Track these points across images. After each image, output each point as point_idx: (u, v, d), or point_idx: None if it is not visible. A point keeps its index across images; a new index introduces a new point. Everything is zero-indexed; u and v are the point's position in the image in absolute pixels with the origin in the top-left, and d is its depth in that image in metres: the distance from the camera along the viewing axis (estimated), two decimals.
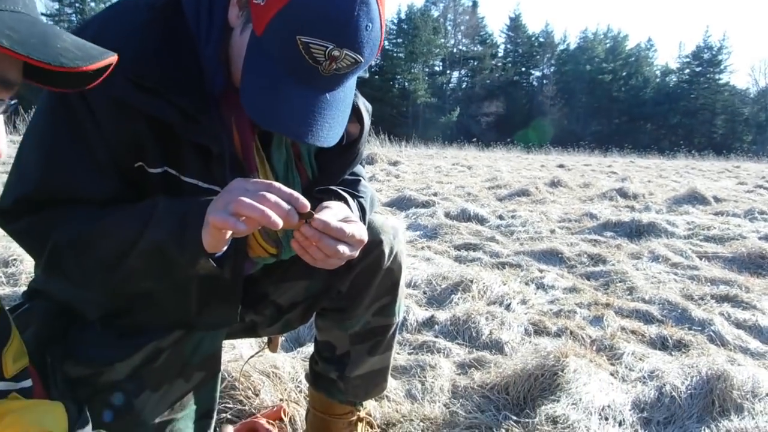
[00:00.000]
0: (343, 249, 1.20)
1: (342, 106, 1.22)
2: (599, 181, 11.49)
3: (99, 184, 1.22)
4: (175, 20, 1.23)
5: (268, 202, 1.06)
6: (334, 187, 1.45)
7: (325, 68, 1.13)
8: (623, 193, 8.90)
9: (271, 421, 2.00)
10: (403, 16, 63.63)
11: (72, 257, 1.20)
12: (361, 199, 1.48)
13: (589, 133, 55.57)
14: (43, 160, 1.21)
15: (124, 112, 1.17)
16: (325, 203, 1.28)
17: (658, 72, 69.51)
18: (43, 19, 0.78)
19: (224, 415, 2.04)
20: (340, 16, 1.08)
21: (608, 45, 66.45)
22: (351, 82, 1.24)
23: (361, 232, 1.25)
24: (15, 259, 3.74)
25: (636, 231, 5.75)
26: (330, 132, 1.19)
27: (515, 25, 68.94)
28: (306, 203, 1.11)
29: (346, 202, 1.39)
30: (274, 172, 1.40)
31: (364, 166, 1.64)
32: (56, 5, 51.16)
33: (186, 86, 1.19)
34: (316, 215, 1.16)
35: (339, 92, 1.20)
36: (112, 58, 0.82)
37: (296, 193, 1.11)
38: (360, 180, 1.55)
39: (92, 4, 50.47)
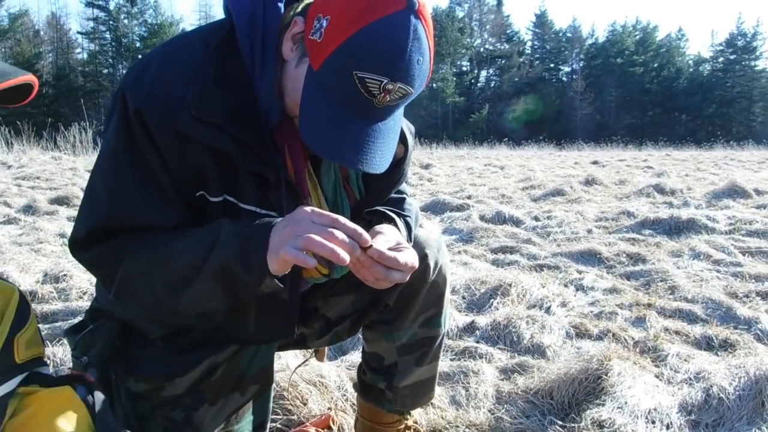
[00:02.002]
0: (393, 275, 1.26)
1: (392, 134, 1.28)
2: (635, 177, 11.38)
3: (164, 213, 1.29)
4: (230, 56, 1.29)
5: (336, 240, 1.12)
6: (381, 208, 1.50)
7: (379, 101, 1.19)
8: (660, 189, 8.80)
9: (319, 430, 2.05)
10: None
11: (142, 283, 1.27)
12: (407, 218, 1.53)
13: (622, 127, 54.93)
14: (111, 193, 1.28)
15: (187, 145, 1.24)
16: (378, 228, 1.34)
17: (690, 62, 68.39)
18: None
19: (274, 424, 2.09)
20: (395, 52, 1.14)
21: (638, 37, 65.57)
22: (400, 111, 1.30)
23: (413, 260, 1.30)
24: (65, 275, 3.86)
25: (675, 228, 5.69)
26: (382, 159, 1.25)
27: (541, 21, 68.48)
28: (368, 239, 1.17)
29: (394, 223, 1.44)
30: (325, 194, 1.45)
31: (408, 184, 1.68)
32: (91, 24, 52.20)
33: (243, 119, 1.26)
34: (373, 245, 1.21)
35: (389, 121, 1.26)
36: (23, 78, 0.87)
37: (359, 228, 1.17)
38: (405, 198, 1.60)
39: (125, 21, 51.40)
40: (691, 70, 66.56)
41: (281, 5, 1.31)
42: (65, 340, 2.79)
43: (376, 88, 1.17)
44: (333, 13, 1.18)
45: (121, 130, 1.27)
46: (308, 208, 1.19)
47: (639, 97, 61.92)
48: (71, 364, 1.56)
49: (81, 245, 1.33)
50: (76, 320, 3.05)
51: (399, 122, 1.32)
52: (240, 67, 1.30)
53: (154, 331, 1.43)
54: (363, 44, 1.14)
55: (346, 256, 1.12)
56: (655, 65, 64.39)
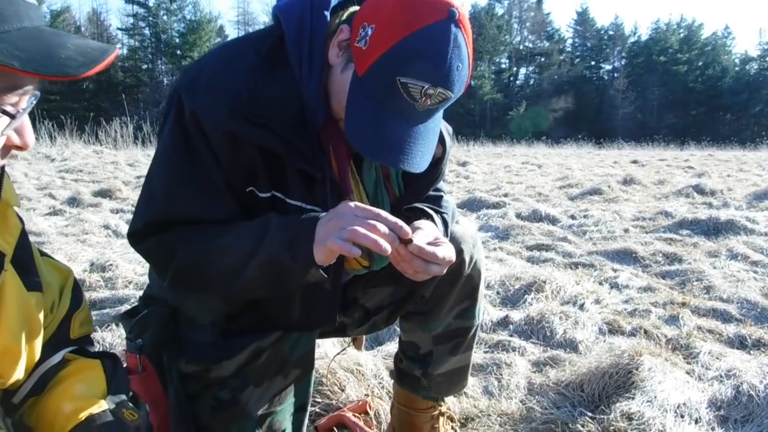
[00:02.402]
0: (432, 268, 1.35)
1: (432, 135, 1.38)
2: (674, 177, 11.25)
3: (217, 207, 1.39)
4: (279, 62, 1.39)
5: (378, 231, 1.21)
6: (419, 205, 1.59)
7: (420, 104, 1.28)
8: (700, 190, 8.69)
9: (357, 414, 2.15)
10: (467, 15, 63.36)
11: (196, 272, 1.38)
12: (444, 214, 1.62)
13: (664, 126, 53.96)
14: (167, 188, 1.40)
15: (239, 144, 1.35)
16: (417, 223, 1.42)
17: (737, 60, 66.81)
18: (46, 25, 0.90)
19: (313, 408, 2.19)
20: (436, 60, 1.23)
21: (682, 35, 64.29)
22: (440, 114, 1.39)
23: (450, 254, 1.39)
24: (111, 264, 4.03)
25: (714, 229, 5.65)
26: (422, 159, 1.35)
27: (583, 19, 67.60)
28: (408, 231, 1.26)
29: (431, 219, 1.53)
30: (366, 191, 1.54)
31: (445, 182, 1.76)
32: (131, 20, 53.16)
33: (291, 121, 1.36)
34: (414, 240, 1.30)
35: (430, 123, 1.35)
36: (112, 54, 0.92)
37: (399, 221, 1.26)
38: (442, 195, 1.69)
39: (164, 17, 52.21)
40: (737, 68, 65.00)
41: (327, 13, 1.40)
42: (113, 326, 2.94)
43: (418, 93, 1.26)
44: (378, 22, 1.27)
45: (177, 130, 1.38)
46: (352, 203, 1.28)
47: (682, 96, 60.70)
48: (124, 346, 1.68)
49: (139, 236, 1.45)
50: (123, 307, 3.21)
51: (438, 124, 1.41)
52: (288, 72, 1.39)
53: (204, 317, 1.54)
54: (406, 52, 1.23)
55: (387, 247, 1.21)
56: (700, 64, 63.05)
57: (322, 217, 1.30)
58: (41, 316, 1.08)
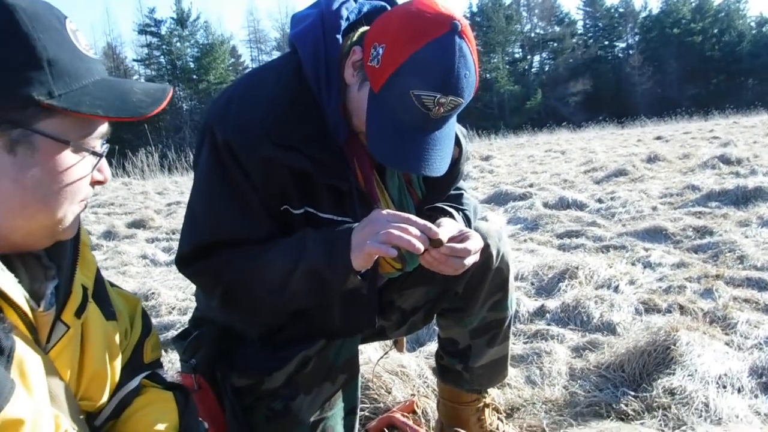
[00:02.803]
0: (468, 261, 1.45)
1: (448, 140, 1.46)
2: (700, 150, 11.13)
3: (256, 228, 1.49)
4: (299, 86, 1.49)
5: (410, 233, 1.31)
6: (440, 204, 1.68)
7: (434, 113, 1.37)
8: (726, 160, 8.60)
9: (405, 414, 2.22)
10: (474, 9, 63.13)
11: (243, 289, 1.48)
12: (465, 211, 1.71)
13: (686, 98, 53.08)
14: (209, 213, 1.50)
15: (271, 168, 1.44)
16: (439, 221, 1.50)
17: (752, 23, 65.54)
18: (108, 74, 1.03)
19: (362, 413, 2.26)
20: (444, 71, 1.32)
21: (693, 4, 63.21)
22: (454, 119, 1.47)
23: (479, 243, 1.49)
24: (153, 293, 4.14)
25: (742, 198, 5.63)
26: (441, 163, 1.44)
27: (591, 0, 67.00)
28: (437, 231, 1.36)
29: (452, 217, 1.61)
30: (391, 198, 1.62)
31: (465, 180, 1.84)
32: (145, 50, 53.91)
33: (316, 139, 1.46)
34: (444, 242, 1.39)
35: (445, 129, 1.44)
36: (170, 92, 1.06)
37: (429, 224, 1.36)
38: (462, 193, 1.77)
39: (178, 44, 52.86)
40: (753, 32, 63.70)
41: (339, 37, 1.49)
42: (163, 351, 3.05)
43: (431, 103, 1.34)
44: (387, 41, 1.35)
45: (213, 159, 1.48)
46: (383, 211, 1.38)
47: (701, 66, 59.65)
48: (179, 367, 1.78)
49: (186, 261, 1.55)
50: (169, 333, 3.31)
51: (453, 129, 1.50)
52: (309, 94, 1.49)
53: (251, 332, 1.63)
54: (416, 67, 1.32)
55: (420, 246, 1.31)
56: (715, 31, 61.90)
57: (356, 226, 1.40)
58: (118, 342, 1.18)
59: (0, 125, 0.87)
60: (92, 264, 1.15)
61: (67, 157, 0.94)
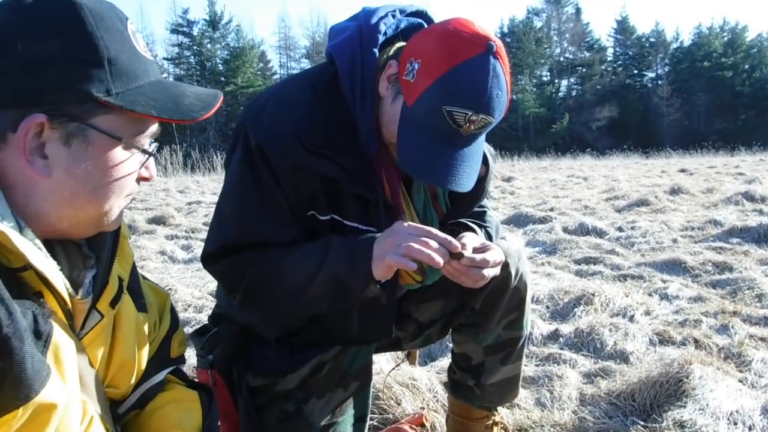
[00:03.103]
0: (488, 273, 1.47)
1: (476, 157, 1.50)
2: (724, 185, 11.04)
3: (282, 231, 1.53)
4: (335, 97, 1.53)
5: (431, 247, 1.34)
6: (463, 220, 1.71)
7: (464, 130, 1.40)
8: (750, 197, 8.51)
9: (413, 427, 2.23)
10: (505, 29, 63.29)
11: (265, 290, 1.51)
12: (488, 228, 1.74)
13: (712, 132, 52.70)
14: (237, 214, 1.54)
15: (301, 173, 1.48)
16: (461, 235, 1.53)
17: None
18: (164, 76, 1.08)
19: (371, 422, 2.27)
20: (478, 89, 1.36)
21: (726, 38, 62.86)
22: (483, 137, 1.50)
23: (500, 256, 1.52)
24: (170, 289, 4.19)
25: (764, 235, 5.57)
26: (468, 179, 1.47)
27: (623, 27, 66.73)
28: (458, 245, 1.38)
29: (474, 232, 1.64)
30: (416, 210, 1.65)
31: (489, 199, 1.86)
32: (176, 50, 54.55)
33: (348, 149, 1.50)
34: (464, 253, 1.42)
35: (474, 146, 1.48)
36: (221, 98, 1.10)
37: (449, 237, 1.38)
38: (486, 211, 1.80)
39: (208, 45, 53.42)
40: None
41: (376, 50, 1.53)
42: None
43: (462, 120, 1.37)
44: (423, 57, 1.39)
45: (245, 162, 1.51)
46: (405, 223, 1.42)
47: (730, 100, 59.23)
48: (196, 362, 1.81)
49: (211, 259, 1.58)
50: (185, 329, 3.34)
51: (482, 146, 1.53)
52: (343, 104, 1.53)
53: (269, 333, 1.66)
54: (451, 84, 1.36)
55: (440, 260, 1.34)
56: (746, 67, 61.48)
57: (379, 236, 1.43)
58: (147, 334, 1.22)
59: (58, 118, 0.91)
60: (129, 257, 1.18)
61: (119, 153, 0.98)
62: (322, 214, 1.54)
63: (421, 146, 1.43)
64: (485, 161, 1.66)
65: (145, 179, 1.07)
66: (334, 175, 1.48)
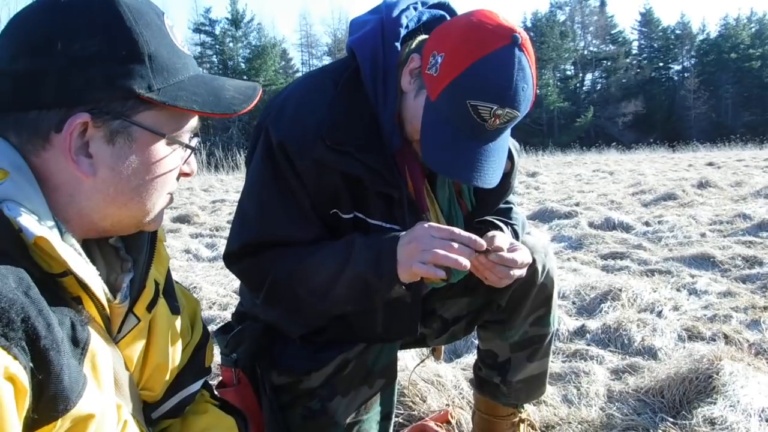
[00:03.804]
0: (515, 273, 1.46)
1: (501, 153, 1.47)
2: (753, 178, 10.85)
3: (305, 229, 1.52)
4: (356, 93, 1.51)
5: (456, 250, 1.33)
6: (490, 218, 1.68)
7: (490, 124, 1.37)
8: None
9: (439, 424, 2.22)
10: (528, 24, 62.78)
11: (288, 289, 1.50)
12: (514, 225, 1.71)
13: (740, 125, 51.86)
14: (259, 212, 1.53)
15: (323, 170, 1.46)
16: (489, 234, 1.50)
17: None
18: (202, 71, 1.06)
19: (396, 419, 2.26)
20: (502, 83, 1.33)
21: (753, 29, 61.73)
22: (508, 132, 1.47)
23: (527, 257, 1.50)
24: (195, 287, 4.21)
25: None
26: (493, 175, 1.44)
27: (647, 20, 65.88)
28: (483, 243, 1.36)
29: (501, 230, 1.61)
30: (441, 208, 1.63)
31: (514, 195, 1.84)
32: (198, 49, 54.85)
33: (370, 146, 1.48)
34: (492, 251, 1.41)
35: (499, 141, 1.45)
36: (260, 90, 1.09)
37: (473, 236, 1.36)
38: (512, 207, 1.77)
39: (230, 44, 53.66)
40: None
41: (398, 44, 1.51)
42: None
43: (487, 114, 1.35)
44: (447, 51, 1.37)
45: (266, 159, 1.50)
46: (426, 224, 1.39)
47: (758, 92, 58.15)
48: (220, 360, 1.81)
49: (234, 258, 1.58)
50: (210, 327, 3.36)
51: (507, 141, 1.51)
52: (365, 100, 1.51)
53: (294, 332, 1.65)
54: (475, 77, 1.33)
55: (467, 263, 1.32)
56: None
57: (402, 237, 1.41)
58: (179, 338, 1.21)
59: (102, 116, 0.91)
60: (166, 260, 1.18)
61: (162, 149, 0.98)
62: (345, 213, 1.53)
63: (445, 141, 1.41)
64: (510, 156, 1.64)
65: (186, 175, 1.07)
66: (356, 173, 1.46)
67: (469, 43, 1.34)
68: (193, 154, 1.07)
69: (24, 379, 0.74)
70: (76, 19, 0.90)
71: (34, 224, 0.84)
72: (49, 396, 0.78)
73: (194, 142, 1.05)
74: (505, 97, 1.34)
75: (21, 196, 0.86)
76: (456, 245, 1.34)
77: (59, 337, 0.80)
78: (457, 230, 1.37)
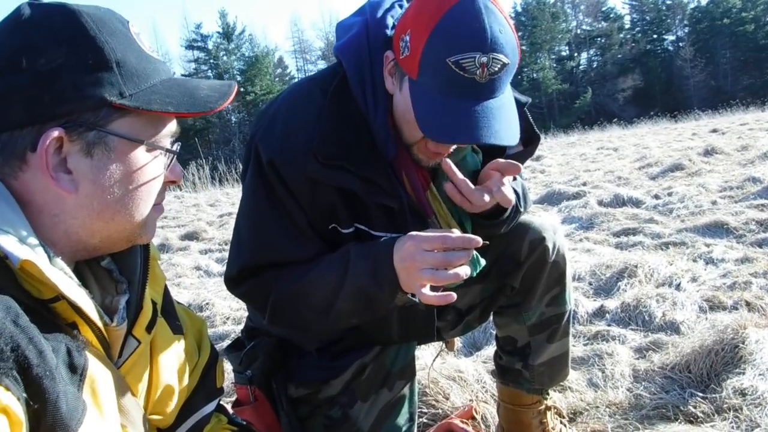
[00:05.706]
0: (486, 198, 1.46)
1: (507, 108, 1.36)
2: (758, 141, 10.74)
3: (302, 248, 1.47)
4: (346, 102, 1.45)
5: (453, 263, 1.28)
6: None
7: (479, 76, 1.28)
8: None
9: (464, 420, 2.17)
10: (519, 9, 62.48)
11: (291, 309, 1.47)
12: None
13: (740, 89, 51.58)
14: (254, 235, 1.49)
15: (317, 187, 1.42)
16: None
17: None
18: (176, 73, 1.05)
19: (421, 419, 2.23)
20: (474, 28, 1.25)
21: None
22: (507, 87, 1.38)
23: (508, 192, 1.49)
24: (208, 303, 4.19)
25: None
26: (508, 131, 1.34)
27: None
28: (479, 240, 1.29)
29: None
30: (449, 209, 1.57)
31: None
32: (193, 65, 54.95)
33: (364, 157, 1.42)
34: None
35: (501, 98, 1.35)
36: (235, 87, 1.08)
37: (467, 236, 1.29)
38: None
39: (224, 57, 53.72)
40: None
41: (384, 49, 1.45)
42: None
43: (472, 65, 1.26)
44: (410, 26, 1.31)
45: (258, 179, 1.46)
46: (415, 237, 1.32)
47: (755, 55, 57.66)
48: (233, 378, 1.77)
49: (234, 281, 1.55)
50: (224, 343, 3.33)
51: (510, 97, 1.40)
52: (355, 109, 1.45)
53: (309, 345, 1.62)
54: (445, 33, 1.26)
55: (469, 271, 1.29)
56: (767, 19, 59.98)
57: (395, 251, 1.34)
58: (184, 356, 1.18)
59: (76, 129, 0.88)
60: (161, 279, 1.16)
61: (142, 156, 0.96)
62: (345, 227, 1.48)
63: (440, 109, 1.31)
64: (536, 133, 1.61)
65: (172, 182, 1.05)
66: (352, 188, 1.41)
67: (429, 6, 1.28)
68: (176, 161, 1.04)
69: (18, 410, 0.71)
70: (38, 35, 0.88)
71: (19, 248, 0.81)
72: (47, 426, 0.76)
73: (176, 147, 1.03)
74: (483, 41, 1.25)
75: (2, 221, 0.83)
76: (452, 258, 1.28)
77: (53, 364, 0.77)
78: (449, 234, 1.29)
